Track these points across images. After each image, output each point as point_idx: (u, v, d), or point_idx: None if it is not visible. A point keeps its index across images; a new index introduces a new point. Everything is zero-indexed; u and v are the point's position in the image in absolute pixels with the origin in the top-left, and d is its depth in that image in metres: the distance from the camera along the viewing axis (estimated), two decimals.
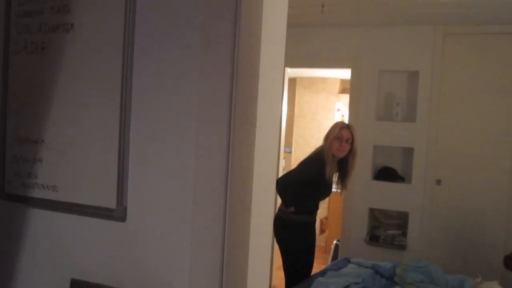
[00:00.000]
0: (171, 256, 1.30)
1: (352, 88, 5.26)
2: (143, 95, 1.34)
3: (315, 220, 4.08)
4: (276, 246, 4.11)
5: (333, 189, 4.09)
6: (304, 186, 3.78)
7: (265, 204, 1.57)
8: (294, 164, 7.96)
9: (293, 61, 5.35)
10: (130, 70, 1.35)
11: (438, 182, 4.81)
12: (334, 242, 6.02)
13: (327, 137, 3.81)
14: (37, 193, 1.51)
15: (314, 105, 8.10)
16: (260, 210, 1.50)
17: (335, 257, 5.62)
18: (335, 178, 3.99)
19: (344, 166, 3.88)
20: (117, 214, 1.36)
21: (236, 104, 1.35)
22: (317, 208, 4.03)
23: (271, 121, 1.60)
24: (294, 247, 3.85)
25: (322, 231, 7.18)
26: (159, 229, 1.32)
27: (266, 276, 1.70)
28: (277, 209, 3.97)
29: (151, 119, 1.33)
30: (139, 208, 1.34)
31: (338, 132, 3.73)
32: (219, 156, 1.33)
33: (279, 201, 3.88)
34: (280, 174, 5.87)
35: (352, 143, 3.77)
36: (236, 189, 1.35)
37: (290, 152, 8.08)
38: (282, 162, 6.11)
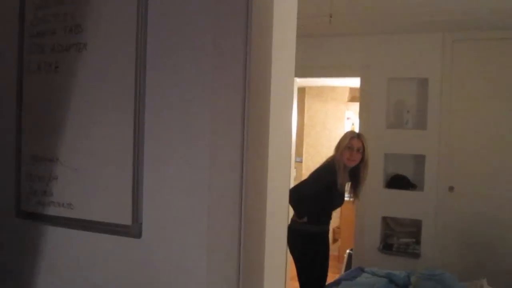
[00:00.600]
0: (187, 272, 1.31)
1: (362, 97, 5.26)
2: (156, 112, 1.36)
3: (328, 230, 4.08)
4: (290, 256, 4.10)
5: (345, 198, 4.09)
6: (316, 197, 3.78)
7: (279, 216, 1.58)
8: (305, 173, 7.95)
9: (302, 71, 5.33)
10: (143, 87, 1.36)
11: (451, 189, 4.78)
12: (347, 251, 5.99)
13: (338, 147, 3.82)
14: (52, 211, 1.52)
15: (323, 114, 8.09)
16: (274, 223, 1.50)
17: (348, 266, 5.59)
18: (347, 187, 3.99)
19: (355, 175, 3.88)
20: (133, 230, 1.37)
21: (249, 118, 1.36)
22: (330, 218, 4.03)
23: (283, 132, 1.60)
24: (308, 257, 3.84)
25: (334, 240, 7.15)
26: (174, 245, 1.32)
27: (281, 287, 1.70)
28: (289, 220, 3.96)
29: (164, 135, 1.34)
30: (155, 224, 1.35)
31: (349, 142, 3.73)
32: (233, 171, 1.34)
33: (292, 211, 3.88)
34: (292, 184, 5.88)
35: (363, 153, 3.76)
36: (251, 203, 1.35)
37: (301, 162, 8.07)
38: (293, 172, 6.11)
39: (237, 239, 1.30)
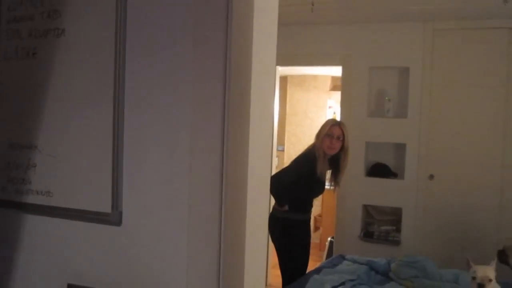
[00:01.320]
0: (167, 258, 1.31)
1: (343, 85, 5.28)
2: (136, 99, 1.34)
3: (310, 218, 4.10)
4: (271, 244, 4.12)
5: (326, 187, 4.11)
6: (296, 185, 3.79)
7: (260, 203, 1.58)
8: (287, 162, 7.94)
9: (284, 59, 5.34)
10: (122, 74, 1.35)
11: (431, 177, 4.83)
12: (329, 239, 6.04)
13: (318, 135, 3.82)
14: (31, 199, 1.50)
15: (305, 103, 8.11)
16: (255, 209, 1.51)
17: (329, 254, 5.64)
18: (328, 175, 4.01)
19: (336, 163, 3.89)
20: (113, 218, 1.36)
21: (229, 106, 1.35)
22: (311, 206, 4.04)
23: (264, 120, 1.60)
24: (289, 245, 3.86)
25: (316, 228, 7.20)
26: (154, 232, 1.32)
27: (262, 274, 1.71)
28: (271, 208, 3.97)
29: (144, 123, 1.33)
30: (135, 212, 1.34)
31: (329, 130, 3.74)
32: (213, 157, 1.33)
33: (273, 200, 3.89)
34: (273, 172, 5.89)
35: (343, 140, 3.78)
36: (231, 190, 1.35)
37: (283, 150, 8.09)
38: (275, 161, 6.12)
39: (217, 226, 1.31)
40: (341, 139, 3.77)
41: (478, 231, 4.65)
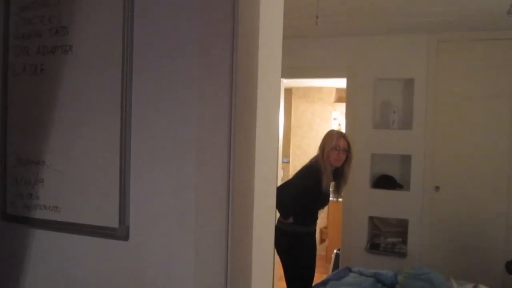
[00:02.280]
0: (175, 272, 1.31)
1: (348, 97, 5.29)
2: (143, 115, 1.35)
3: (315, 230, 4.09)
4: (277, 257, 4.11)
5: (330, 198, 4.11)
6: (301, 197, 3.80)
7: (266, 216, 1.58)
8: (292, 174, 7.96)
9: (288, 72, 5.36)
10: (129, 90, 1.36)
11: (437, 188, 4.82)
12: (335, 251, 6.01)
13: (323, 147, 3.83)
14: (39, 214, 1.51)
15: (310, 115, 8.12)
16: (261, 223, 1.51)
17: (336, 266, 5.61)
18: (331, 187, 4.02)
19: (339, 174, 3.91)
20: (120, 233, 1.37)
21: (235, 119, 1.36)
22: (316, 218, 4.04)
23: (270, 133, 1.61)
24: (295, 258, 3.86)
25: (322, 240, 7.18)
26: (162, 246, 1.32)
27: (269, 287, 1.71)
28: (276, 220, 3.97)
29: (151, 138, 1.34)
30: (142, 226, 1.35)
31: (335, 143, 3.75)
32: (219, 171, 1.34)
33: (278, 213, 3.89)
34: (278, 183, 5.88)
35: (348, 151, 3.80)
36: (238, 204, 1.35)
37: (288, 163, 8.09)
38: (280, 173, 6.12)
39: (224, 240, 1.31)
40: (346, 150, 3.79)
41: (486, 242, 4.63)
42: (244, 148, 1.40)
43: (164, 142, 1.33)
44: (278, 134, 1.71)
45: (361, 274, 4.25)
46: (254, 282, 1.44)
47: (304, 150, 7.85)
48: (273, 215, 1.69)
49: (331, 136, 3.86)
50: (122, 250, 1.37)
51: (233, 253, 1.32)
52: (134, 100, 1.36)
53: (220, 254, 1.31)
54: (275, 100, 1.67)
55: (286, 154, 7.95)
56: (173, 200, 1.31)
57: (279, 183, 5.86)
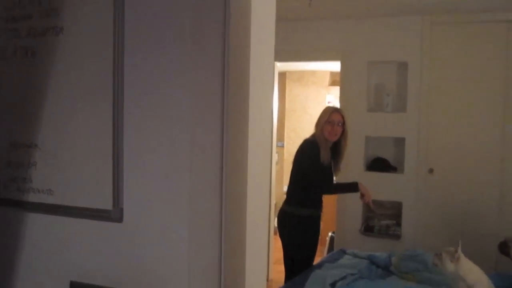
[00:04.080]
0: (169, 254, 1.31)
1: (342, 80, 5.28)
2: (135, 96, 1.35)
3: (320, 214, 4.08)
4: (274, 240, 4.13)
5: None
6: (305, 177, 3.80)
7: (260, 198, 1.59)
8: (286, 158, 7.98)
9: (282, 55, 5.34)
10: (121, 70, 1.35)
11: (431, 171, 4.84)
12: (329, 234, 6.05)
13: (318, 123, 3.83)
14: (33, 198, 1.51)
15: (304, 99, 8.11)
16: (255, 205, 1.51)
17: (330, 249, 5.65)
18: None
19: (337, 150, 3.91)
20: (114, 215, 1.37)
21: (228, 102, 1.36)
22: (321, 201, 4.03)
23: (263, 116, 1.61)
24: (299, 241, 3.86)
25: None
26: (156, 228, 1.33)
27: (263, 269, 1.72)
28: (280, 204, 4.00)
29: (143, 120, 1.34)
30: (136, 208, 1.35)
31: (329, 117, 3.76)
32: (213, 153, 1.34)
33: (279, 195, 3.90)
34: (273, 169, 5.90)
35: (343, 125, 3.80)
36: (231, 185, 1.36)
37: (282, 146, 8.10)
38: (274, 157, 6.13)
39: (218, 221, 1.31)
40: (341, 124, 3.79)
41: (479, 224, 4.66)
42: (237, 131, 1.40)
43: (157, 124, 1.33)
44: (272, 117, 1.71)
45: (355, 256, 4.28)
46: (249, 262, 1.45)
47: (299, 134, 7.85)
48: (267, 197, 1.70)
49: (326, 111, 3.87)
50: (116, 232, 1.37)
51: (227, 233, 1.32)
52: (126, 83, 1.35)
53: (214, 235, 1.32)
54: (269, 83, 1.67)
55: (280, 138, 7.94)
56: (167, 182, 1.31)
57: (274, 167, 5.88)
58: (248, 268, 1.47)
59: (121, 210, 1.36)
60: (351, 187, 3.92)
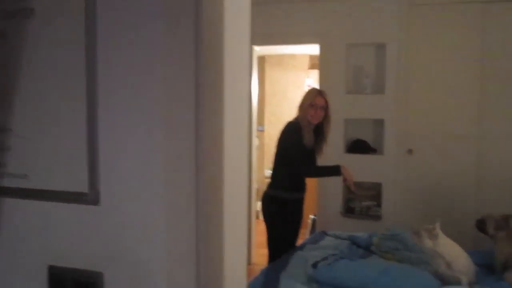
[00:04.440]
0: (146, 235, 1.31)
1: (321, 63, 5.30)
2: (109, 78, 1.33)
3: (304, 197, 4.11)
4: (256, 224, 4.15)
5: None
6: (288, 160, 3.82)
7: (238, 181, 1.59)
8: (267, 142, 8.00)
9: (260, 38, 5.36)
10: (93, 52, 1.33)
11: (410, 151, 4.89)
12: (311, 216, 6.09)
13: (301, 106, 3.85)
14: (7, 182, 1.49)
15: (284, 83, 8.12)
16: (233, 188, 1.51)
17: (312, 231, 5.70)
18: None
19: (320, 133, 3.93)
20: (90, 198, 1.35)
21: (202, 84, 1.34)
22: (305, 184, 4.05)
23: (240, 100, 1.60)
24: (282, 224, 3.88)
25: None
26: (133, 210, 1.32)
27: (243, 250, 1.72)
28: (262, 188, 4.01)
29: (118, 101, 1.33)
30: (112, 190, 1.34)
31: (313, 100, 3.77)
32: (187, 135, 1.33)
33: (261, 180, 3.91)
34: (254, 153, 5.91)
35: (326, 109, 3.82)
36: (207, 167, 1.35)
37: (263, 131, 8.11)
38: (255, 141, 6.14)
39: (194, 203, 1.31)
40: (324, 108, 3.81)
41: (458, 203, 4.74)
42: (212, 113, 1.39)
43: (131, 106, 1.32)
44: (250, 101, 1.70)
45: (336, 237, 4.33)
46: (228, 243, 1.45)
47: (279, 118, 7.86)
48: (246, 181, 1.69)
49: (309, 94, 3.88)
50: (93, 215, 1.36)
51: (204, 213, 1.32)
52: (99, 64, 1.34)
53: (191, 214, 1.32)
54: (245, 67, 1.66)
55: (260, 122, 7.95)
56: (143, 163, 1.30)
57: (255, 151, 5.89)
58: (227, 250, 1.47)
59: (98, 192, 1.35)
60: (334, 170, 3.95)
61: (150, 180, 1.28)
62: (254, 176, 6.00)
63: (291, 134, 3.82)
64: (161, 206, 1.28)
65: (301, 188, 4.01)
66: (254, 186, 6.06)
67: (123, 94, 1.32)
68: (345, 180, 3.88)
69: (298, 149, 3.78)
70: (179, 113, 1.31)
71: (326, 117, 3.88)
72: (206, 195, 1.33)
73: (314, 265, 3.42)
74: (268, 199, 3.93)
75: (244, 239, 1.72)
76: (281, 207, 3.87)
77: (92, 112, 1.34)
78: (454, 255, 3.18)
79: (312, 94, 3.85)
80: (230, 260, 1.51)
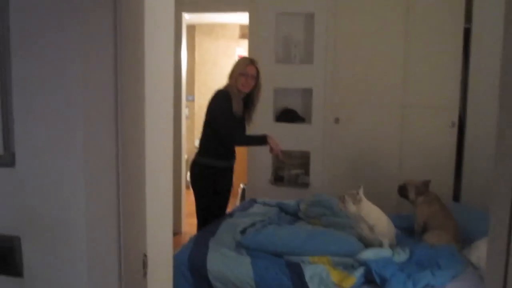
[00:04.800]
0: (64, 197, 1.27)
1: (251, 32, 5.28)
2: (23, 35, 1.27)
3: (233, 165, 4.11)
4: (186, 194, 4.13)
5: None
6: (217, 127, 3.80)
7: (161, 142, 1.57)
8: (197, 111, 7.95)
9: (190, 5, 5.28)
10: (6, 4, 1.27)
11: (337, 120, 4.99)
12: (241, 186, 6.14)
13: (232, 74, 3.83)
14: None
15: (214, 52, 8.05)
16: (155, 147, 1.49)
17: (242, 200, 5.74)
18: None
19: (249, 102, 3.94)
20: (5, 160, 1.30)
21: (121, 50, 1.30)
22: (233, 152, 4.05)
23: (163, 70, 1.57)
24: (211, 192, 3.87)
25: None
26: (50, 173, 1.28)
27: (169, 219, 1.71)
28: (193, 155, 3.99)
29: (33, 58, 1.27)
30: (29, 152, 1.29)
31: (244, 69, 3.76)
32: (106, 96, 1.29)
33: (190, 150, 3.88)
34: (183, 122, 5.86)
35: (257, 78, 3.83)
36: (127, 127, 1.32)
37: (193, 100, 8.04)
38: (185, 111, 6.08)
39: (114, 162, 1.28)
40: (255, 77, 3.81)
41: (382, 170, 4.90)
42: (132, 79, 1.35)
43: (48, 63, 1.27)
44: (172, 69, 1.66)
45: (265, 204, 4.39)
46: (150, 204, 1.44)
47: (209, 87, 7.79)
48: (170, 148, 1.67)
49: (240, 62, 3.86)
50: (8, 177, 1.31)
51: (124, 173, 1.30)
52: (12, 23, 1.27)
53: (111, 178, 1.29)
54: (169, 35, 1.62)
55: (190, 92, 7.88)
56: (60, 123, 1.26)
57: (184, 121, 5.83)
58: (149, 211, 1.46)
59: (13, 154, 1.30)
60: (261, 140, 3.97)
61: (68, 140, 1.24)
62: (184, 145, 5.96)
63: (220, 102, 3.81)
64: (79, 166, 1.25)
65: (230, 156, 4.01)
66: (184, 156, 6.03)
67: (39, 48, 1.27)
68: (271, 149, 3.92)
69: (228, 117, 3.77)
70: (97, 73, 1.27)
71: (256, 86, 3.88)
72: (127, 155, 1.30)
73: (243, 232, 3.46)
74: (197, 167, 3.92)
75: (170, 205, 1.70)
76: (210, 175, 3.87)
77: (6, 72, 1.28)
78: (377, 219, 3.30)
79: (244, 63, 3.83)
80: (153, 221, 1.50)
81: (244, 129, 4.04)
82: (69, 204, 1.27)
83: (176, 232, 5.65)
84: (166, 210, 1.67)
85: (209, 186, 3.88)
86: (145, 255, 1.41)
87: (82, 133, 1.23)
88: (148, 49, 1.38)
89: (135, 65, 1.34)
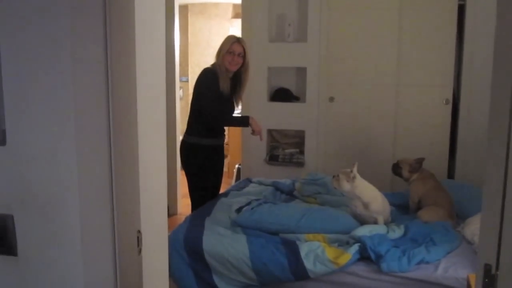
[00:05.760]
0: (57, 175, 1.27)
1: (244, 11, 5.23)
2: (11, 13, 1.25)
3: (223, 143, 4.10)
4: (181, 175, 4.11)
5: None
6: (202, 106, 3.77)
7: (154, 125, 1.56)
8: (191, 93, 7.89)
9: None
10: None
11: (331, 99, 4.97)
12: (236, 166, 6.14)
13: (219, 52, 3.80)
14: None
15: (207, 32, 8.00)
16: (148, 125, 1.48)
17: (238, 180, 5.74)
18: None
19: (237, 81, 3.91)
20: None
21: (111, 29, 1.28)
22: (223, 130, 4.04)
23: (154, 50, 1.55)
24: (202, 171, 3.86)
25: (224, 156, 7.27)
26: (42, 148, 1.27)
27: (163, 196, 1.71)
28: (182, 134, 3.97)
29: (22, 33, 1.25)
30: (19, 129, 1.28)
31: (230, 47, 3.73)
32: (98, 75, 1.27)
33: (183, 127, 3.85)
34: (177, 103, 5.84)
35: (244, 57, 3.79)
36: (119, 108, 1.30)
37: (187, 81, 8.00)
38: (179, 92, 6.05)
39: (106, 138, 1.27)
40: (242, 55, 3.77)
41: (376, 148, 4.90)
42: (123, 59, 1.33)
43: (37, 40, 1.25)
44: (164, 49, 1.64)
45: (260, 183, 4.40)
46: (144, 181, 1.43)
47: (203, 68, 7.77)
48: (164, 126, 1.66)
49: (227, 41, 3.82)
50: (0, 155, 1.30)
51: (116, 154, 1.29)
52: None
53: (103, 152, 1.28)
54: (160, 15, 1.60)
55: (184, 73, 7.84)
56: (51, 100, 1.25)
57: (178, 102, 5.81)
58: (143, 187, 1.45)
59: (4, 131, 1.29)
60: (243, 121, 3.97)
61: (59, 119, 1.23)
62: (179, 126, 5.94)
63: (206, 80, 3.78)
64: (71, 143, 1.24)
65: (219, 134, 3.99)
66: (179, 136, 6.01)
67: (28, 29, 1.25)
68: (253, 131, 3.92)
69: (213, 96, 3.74)
70: (88, 51, 1.25)
71: (244, 65, 3.85)
72: (119, 132, 1.29)
73: (238, 210, 3.46)
74: (186, 146, 3.90)
75: (164, 184, 1.70)
76: (200, 154, 3.84)
77: None
78: (371, 197, 3.31)
79: (230, 41, 3.80)
80: (147, 198, 1.49)
81: (231, 108, 4.02)
82: (61, 181, 1.26)
83: (172, 213, 5.66)
84: (160, 187, 1.67)
85: (199, 165, 3.86)
86: (139, 232, 1.41)
87: (73, 110, 1.22)
88: (138, 29, 1.36)
89: (126, 43, 1.32)
